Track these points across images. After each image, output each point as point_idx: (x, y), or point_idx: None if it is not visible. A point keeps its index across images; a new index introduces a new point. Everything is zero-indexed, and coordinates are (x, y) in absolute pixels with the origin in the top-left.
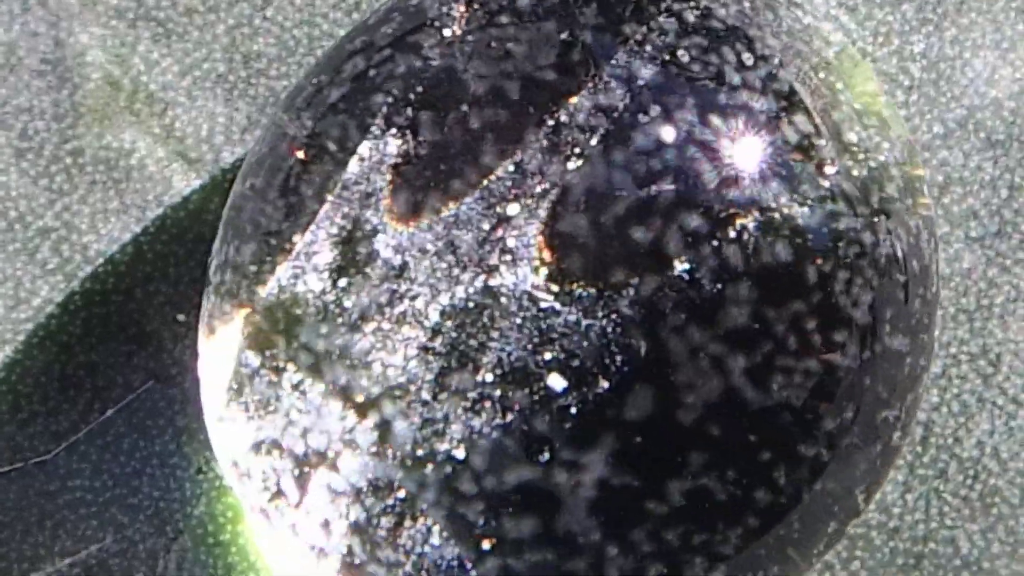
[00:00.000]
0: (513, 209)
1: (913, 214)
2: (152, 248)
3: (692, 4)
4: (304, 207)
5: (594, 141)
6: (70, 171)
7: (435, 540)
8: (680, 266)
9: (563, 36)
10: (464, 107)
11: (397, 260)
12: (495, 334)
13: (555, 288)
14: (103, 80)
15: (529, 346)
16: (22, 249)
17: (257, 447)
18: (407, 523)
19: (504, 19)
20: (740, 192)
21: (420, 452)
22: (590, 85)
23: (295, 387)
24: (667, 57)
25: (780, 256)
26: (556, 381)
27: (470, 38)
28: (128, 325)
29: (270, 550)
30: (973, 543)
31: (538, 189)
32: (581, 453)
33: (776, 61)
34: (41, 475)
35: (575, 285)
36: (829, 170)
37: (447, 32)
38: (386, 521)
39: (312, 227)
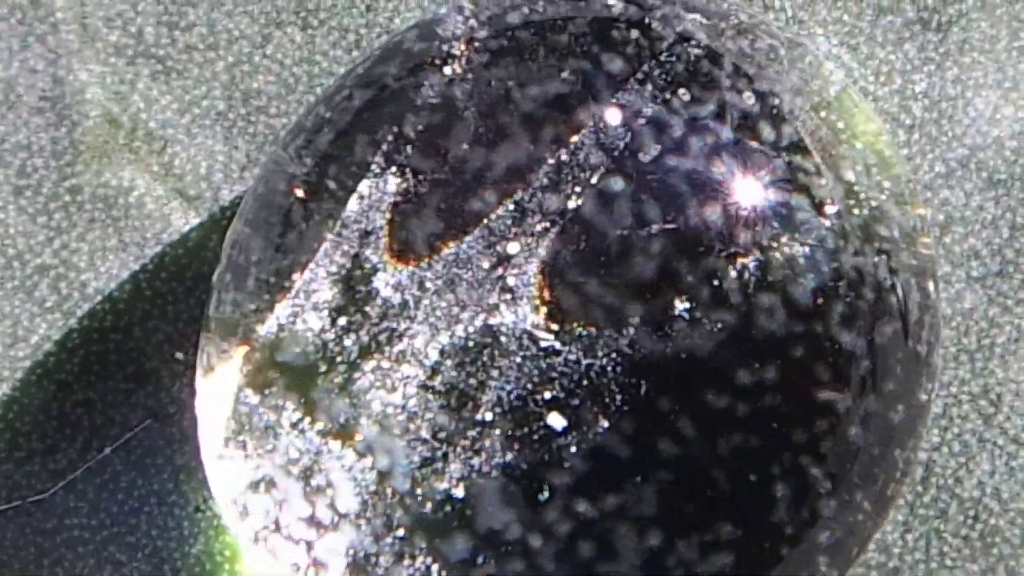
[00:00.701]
0: (513, 248)
1: (914, 254)
2: (151, 286)
3: (694, 43)
4: (303, 245)
5: (594, 179)
6: (69, 209)
7: None
8: (680, 305)
9: (564, 75)
10: (464, 145)
11: (396, 298)
12: (495, 373)
13: (555, 327)
14: (102, 117)
15: (529, 385)
16: (20, 287)
17: (255, 485)
18: (406, 561)
19: (505, 57)
20: (740, 231)
21: (419, 491)
22: (591, 124)
23: (294, 425)
24: (668, 96)
25: (780, 295)
26: (556, 420)
27: (470, 76)
28: (126, 363)
29: None
30: None
31: (538, 228)
32: (581, 492)
33: (777, 100)
34: (39, 513)
35: (575, 324)
36: (830, 210)
37: (447, 70)
38: (384, 560)
39: (311, 265)
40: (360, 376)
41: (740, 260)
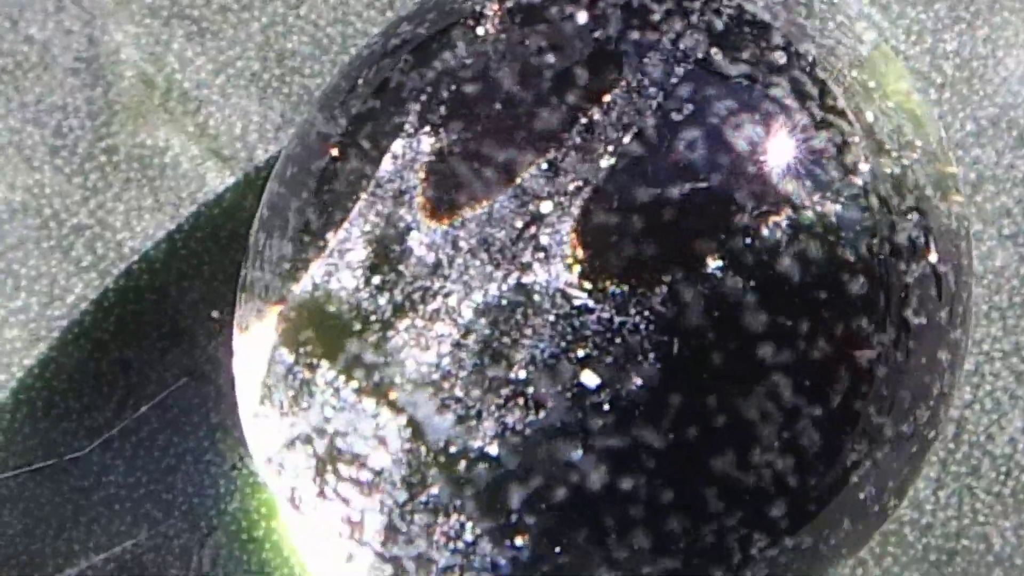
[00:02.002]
0: (546, 207)
1: (946, 212)
2: (186, 245)
3: (726, 3)
4: (338, 205)
5: (627, 139)
6: (104, 169)
7: (468, 536)
8: (713, 263)
9: (596, 34)
10: (497, 105)
11: (430, 258)
12: (528, 331)
13: (588, 285)
14: (137, 78)
15: (562, 343)
16: (56, 247)
17: (291, 443)
18: (440, 519)
19: (537, 17)
20: (773, 190)
21: (453, 448)
22: (623, 83)
23: (328, 384)
24: (700, 56)
25: (813, 254)
26: (589, 378)
27: (503, 36)
28: (162, 322)
29: (304, 546)
30: (1005, 540)
31: (571, 187)
32: (615, 449)
33: (809, 59)
34: (75, 471)
35: (608, 282)
36: (862, 168)
37: (480, 30)
38: (419, 518)
39: (346, 225)
40: (394, 335)
41: (772, 218)
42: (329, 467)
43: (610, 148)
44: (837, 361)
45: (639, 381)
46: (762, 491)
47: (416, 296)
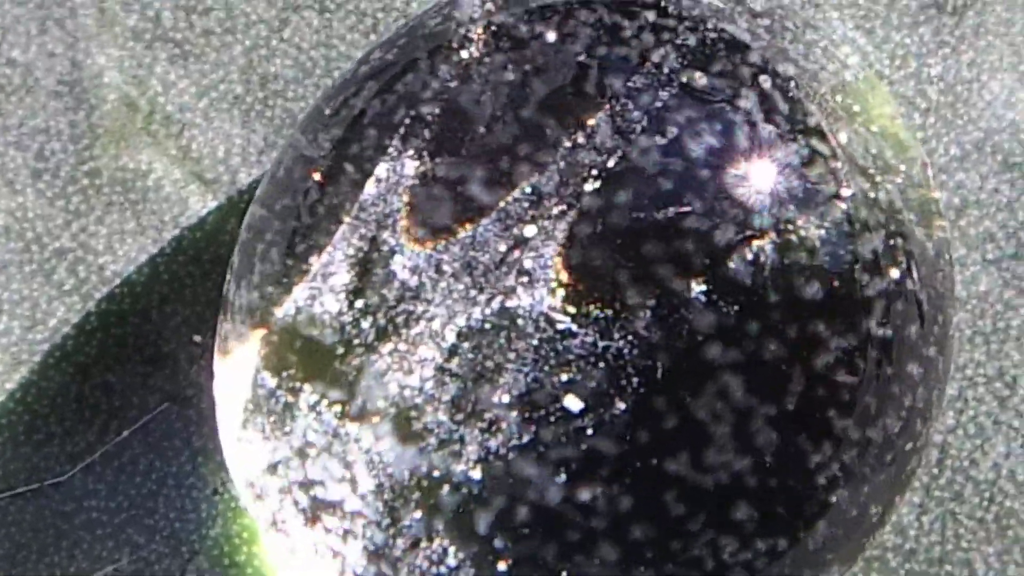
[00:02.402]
0: (530, 231)
1: (929, 236)
2: (168, 269)
3: (709, 27)
4: (321, 228)
5: (611, 163)
6: (87, 192)
7: (451, 561)
8: (696, 288)
9: (580, 58)
10: (481, 129)
11: (414, 281)
12: (512, 355)
13: (572, 309)
14: (120, 101)
15: (546, 367)
16: (39, 270)
17: (273, 468)
18: (423, 544)
19: (521, 41)
20: (756, 214)
21: (436, 473)
22: (607, 107)
23: (311, 408)
24: (684, 79)
25: (795, 278)
26: (573, 402)
27: (487, 60)
28: (144, 346)
29: (286, 571)
30: (989, 565)
31: (555, 211)
32: (598, 474)
33: (793, 84)
34: (57, 496)
35: (592, 306)
36: (845, 192)
37: (464, 54)
38: (401, 542)
39: (329, 248)
40: (377, 358)
41: (756, 243)
42: (311, 491)
43: (594, 172)
44: (821, 384)
45: (622, 406)
46: (747, 512)
47: (399, 320)
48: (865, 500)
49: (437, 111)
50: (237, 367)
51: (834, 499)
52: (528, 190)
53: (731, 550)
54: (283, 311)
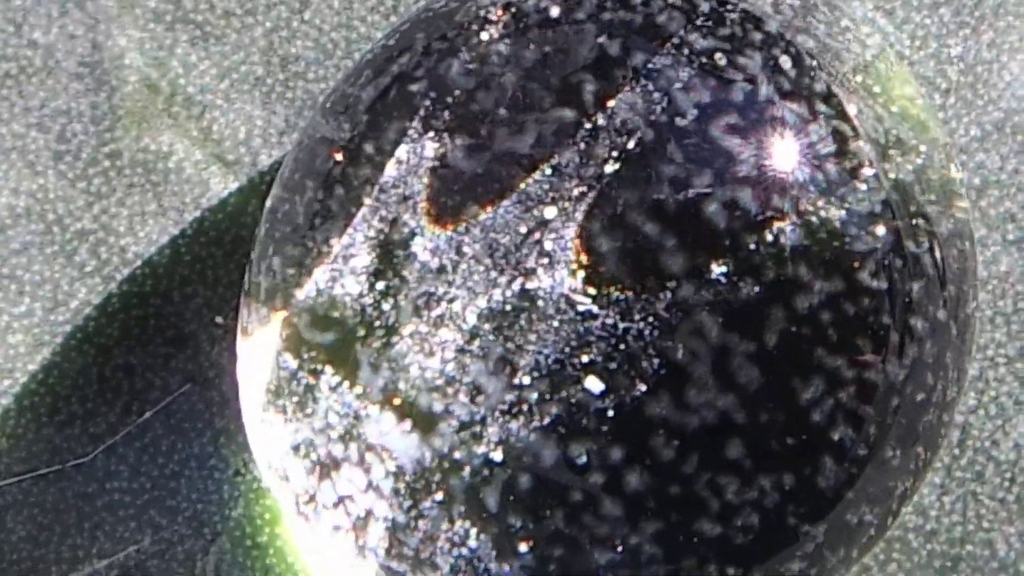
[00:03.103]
0: (550, 212)
1: (950, 217)
2: (190, 251)
3: (729, 7)
4: (342, 210)
5: (631, 144)
6: (108, 174)
7: (472, 543)
8: (717, 269)
9: (600, 38)
10: (501, 110)
11: (435, 263)
12: (532, 337)
13: (592, 291)
14: (141, 83)
15: (566, 349)
16: (60, 252)
17: (295, 449)
18: (444, 525)
19: (541, 22)
20: (777, 195)
21: (457, 455)
22: (627, 88)
23: (332, 389)
24: (704, 60)
25: (816, 259)
26: (593, 384)
27: (507, 41)
28: (166, 328)
29: (308, 552)
30: (1010, 545)
31: (575, 192)
32: (618, 456)
33: (814, 64)
34: (79, 477)
35: (612, 288)
36: (867, 173)
37: (484, 35)
38: (423, 524)
39: (350, 230)
40: (398, 340)
41: (776, 224)
42: (333, 473)
43: (614, 153)
44: (842, 366)
45: (643, 387)
46: (768, 494)
47: (420, 302)
48: (886, 488)
49: (457, 92)
50: (259, 349)
51: (856, 486)
52: (548, 171)
53: (754, 528)
54: (304, 293)
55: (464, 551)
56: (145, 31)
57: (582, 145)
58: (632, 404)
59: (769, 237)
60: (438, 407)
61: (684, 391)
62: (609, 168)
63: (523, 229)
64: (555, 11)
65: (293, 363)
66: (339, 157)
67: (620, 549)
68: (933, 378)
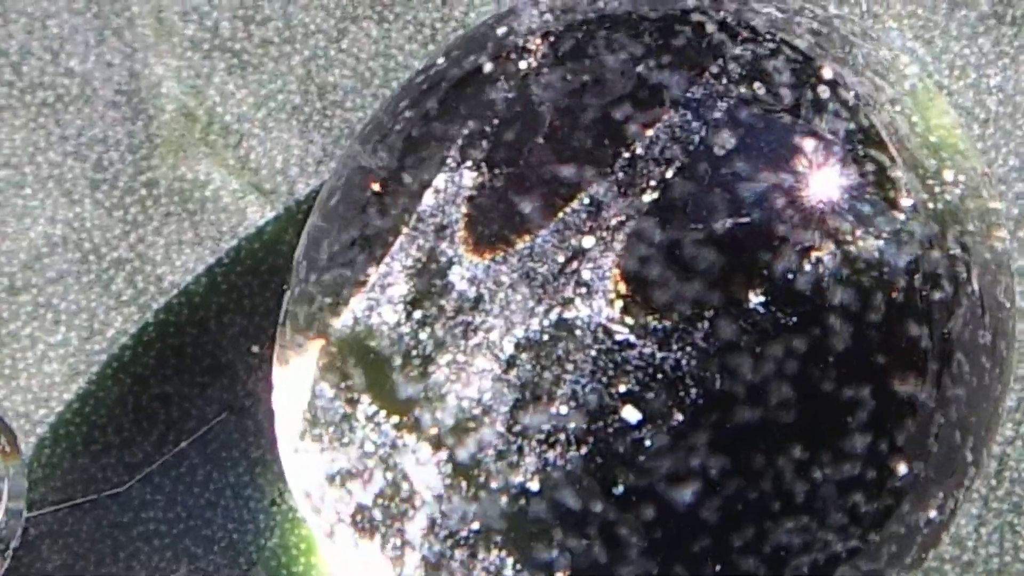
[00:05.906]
0: (588, 242)
1: (989, 247)
2: (226, 279)
3: (768, 38)
4: (379, 239)
5: (669, 174)
6: (145, 202)
7: (508, 572)
8: (755, 299)
9: (639, 69)
10: (539, 140)
11: (472, 292)
12: (570, 366)
13: (630, 321)
14: (178, 111)
15: (604, 379)
16: (96, 280)
17: (331, 478)
18: (481, 555)
19: (580, 52)
20: (815, 225)
21: (494, 484)
22: (665, 118)
23: (369, 419)
24: (743, 90)
25: (855, 289)
26: (631, 414)
27: (545, 71)
28: (202, 357)
29: None
30: None
31: (613, 222)
32: (656, 485)
33: (853, 94)
34: (115, 507)
35: (650, 318)
36: (905, 203)
37: (523, 65)
38: (460, 553)
39: (387, 259)
40: (435, 369)
41: (815, 253)
42: (369, 502)
43: (652, 183)
44: (881, 394)
45: (680, 417)
46: (804, 522)
47: (457, 331)
48: (923, 517)
49: (496, 122)
50: (295, 378)
51: (892, 516)
52: (586, 201)
53: (786, 563)
54: (341, 322)
55: None
56: (182, 59)
57: (620, 175)
58: (669, 434)
59: (808, 267)
60: (475, 437)
61: (722, 421)
62: (647, 198)
63: (561, 258)
64: (593, 42)
65: (330, 392)
66: (376, 187)
67: None
68: (969, 409)
